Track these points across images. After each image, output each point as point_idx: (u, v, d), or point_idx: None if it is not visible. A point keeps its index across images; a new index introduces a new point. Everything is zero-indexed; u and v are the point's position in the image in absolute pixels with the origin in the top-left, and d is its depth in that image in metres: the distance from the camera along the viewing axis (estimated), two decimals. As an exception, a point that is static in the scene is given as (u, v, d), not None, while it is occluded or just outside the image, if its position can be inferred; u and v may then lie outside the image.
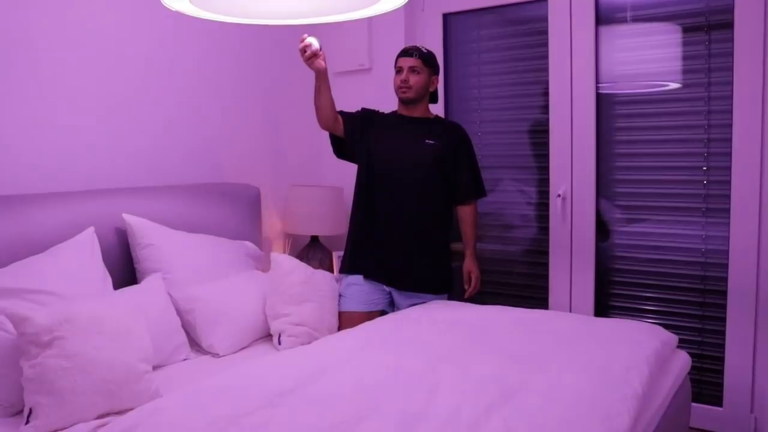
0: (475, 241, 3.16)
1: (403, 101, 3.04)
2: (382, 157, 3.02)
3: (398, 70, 3.01)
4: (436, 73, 3.06)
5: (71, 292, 2.25)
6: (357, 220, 3.09)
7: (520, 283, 3.69)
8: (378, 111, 3.15)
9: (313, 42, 2.72)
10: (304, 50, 2.72)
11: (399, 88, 3.00)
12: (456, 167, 3.05)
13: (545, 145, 3.46)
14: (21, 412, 1.92)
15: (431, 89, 3.06)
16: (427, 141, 3.00)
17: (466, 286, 3.14)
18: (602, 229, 3.38)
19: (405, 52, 3.01)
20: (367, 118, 3.10)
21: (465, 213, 3.13)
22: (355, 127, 3.05)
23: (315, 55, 2.74)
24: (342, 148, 3.11)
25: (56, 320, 1.91)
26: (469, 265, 3.14)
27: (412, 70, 2.97)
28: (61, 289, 2.23)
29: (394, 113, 3.12)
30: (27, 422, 1.83)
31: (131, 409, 1.86)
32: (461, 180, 3.07)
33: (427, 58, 3.00)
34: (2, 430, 1.87)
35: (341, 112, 3.04)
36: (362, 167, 3.08)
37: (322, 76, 2.86)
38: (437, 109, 3.32)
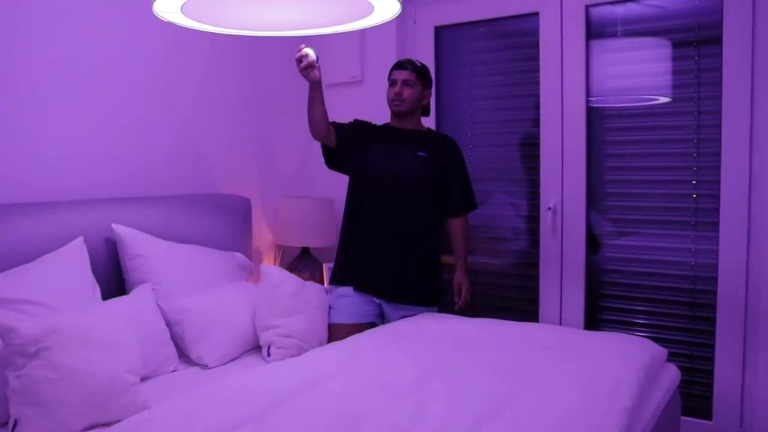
0: (465, 254, 3.16)
1: (395, 114, 3.04)
2: (373, 168, 3.02)
3: (392, 83, 3.01)
4: (429, 86, 3.07)
5: (59, 302, 2.24)
6: (347, 232, 3.09)
7: (511, 295, 3.69)
8: (370, 123, 3.16)
9: (310, 53, 2.71)
10: (300, 60, 2.72)
11: (392, 101, 3.01)
12: (447, 180, 3.06)
13: (536, 158, 3.47)
14: (6, 423, 1.90)
15: (424, 102, 3.07)
16: (419, 153, 3.00)
17: (456, 299, 3.14)
18: (593, 243, 3.39)
19: (399, 65, 3.02)
20: (359, 129, 3.10)
21: (456, 226, 3.13)
22: (347, 138, 3.04)
23: (311, 65, 2.74)
24: (333, 159, 3.10)
25: (43, 331, 1.89)
26: (460, 278, 3.13)
27: (405, 83, 2.97)
28: (48, 299, 2.22)
29: (386, 125, 3.13)
30: (12, 434, 1.82)
31: (118, 421, 1.84)
32: (452, 193, 3.08)
33: (421, 71, 3.01)
34: (-13, 442, 1.85)
35: (333, 123, 3.04)
36: (353, 179, 3.08)
37: (316, 87, 2.84)
38: (429, 121, 3.32)
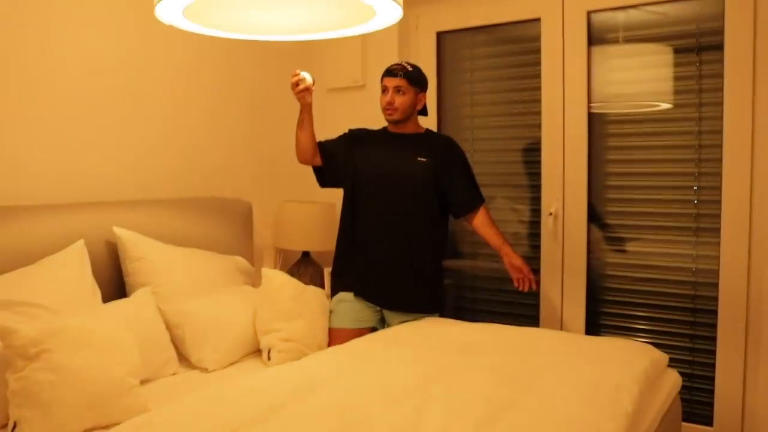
0: (503, 239, 2.99)
1: (389, 122, 3.02)
2: (371, 175, 2.98)
3: (383, 90, 2.96)
4: (424, 89, 2.99)
5: (60, 304, 2.24)
6: (345, 239, 3.06)
7: (511, 300, 3.68)
8: (367, 130, 3.12)
9: (307, 76, 2.78)
10: (296, 83, 2.77)
11: (385, 110, 2.96)
12: (451, 180, 3.00)
13: (538, 163, 3.47)
14: (6, 426, 1.89)
15: (419, 107, 3.00)
16: (419, 158, 2.96)
17: (516, 285, 2.93)
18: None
19: (389, 72, 2.95)
20: (352, 139, 3.08)
21: (479, 218, 3.02)
22: (337, 152, 3.03)
23: (307, 89, 2.79)
24: (324, 177, 3.08)
25: (44, 333, 1.89)
26: (510, 261, 2.92)
27: (397, 90, 2.91)
28: (49, 301, 2.22)
29: (384, 129, 3.09)
30: (12, 436, 1.81)
31: (118, 424, 1.84)
32: (459, 192, 3.02)
33: (413, 76, 2.92)
34: (-14, 443, 1.85)
35: (319, 143, 3.03)
36: (349, 187, 3.05)
37: (307, 110, 2.89)
38: (430, 124, 3.30)
